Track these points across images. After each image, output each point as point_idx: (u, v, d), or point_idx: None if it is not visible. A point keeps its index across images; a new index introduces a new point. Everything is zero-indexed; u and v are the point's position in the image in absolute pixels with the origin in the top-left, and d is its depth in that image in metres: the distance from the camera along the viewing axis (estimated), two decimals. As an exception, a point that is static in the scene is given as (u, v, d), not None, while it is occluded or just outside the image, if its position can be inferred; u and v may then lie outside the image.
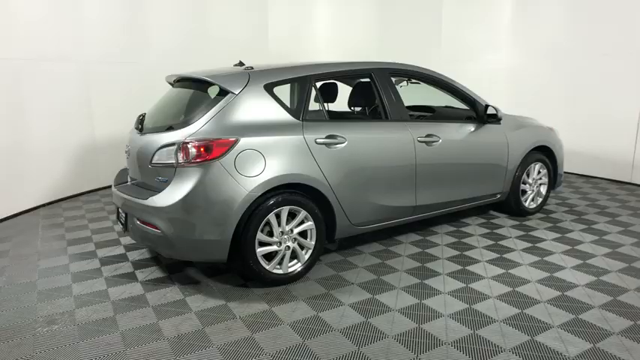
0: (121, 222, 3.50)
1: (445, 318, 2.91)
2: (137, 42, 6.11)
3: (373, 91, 3.72)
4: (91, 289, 3.32)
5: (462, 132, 4.05)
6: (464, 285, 3.36)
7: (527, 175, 4.70)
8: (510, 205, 4.69)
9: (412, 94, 4.90)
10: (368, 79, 3.78)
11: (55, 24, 5.27)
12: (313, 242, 3.30)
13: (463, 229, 4.51)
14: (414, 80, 4.29)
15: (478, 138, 4.14)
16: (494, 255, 3.90)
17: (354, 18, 7.58)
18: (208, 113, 3.00)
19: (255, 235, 3.02)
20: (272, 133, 3.05)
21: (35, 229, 4.59)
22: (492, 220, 4.74)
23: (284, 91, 3.53)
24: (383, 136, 3.54)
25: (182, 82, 3.62)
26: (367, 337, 2.71)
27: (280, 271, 3.23)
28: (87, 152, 5.81)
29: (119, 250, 4.01)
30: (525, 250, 4.01)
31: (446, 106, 4.95)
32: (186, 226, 2.91)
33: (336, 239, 3.54)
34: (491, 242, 4.17)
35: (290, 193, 3.11)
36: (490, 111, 4.17)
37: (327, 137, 3.24)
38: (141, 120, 3.56)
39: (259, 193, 2.94)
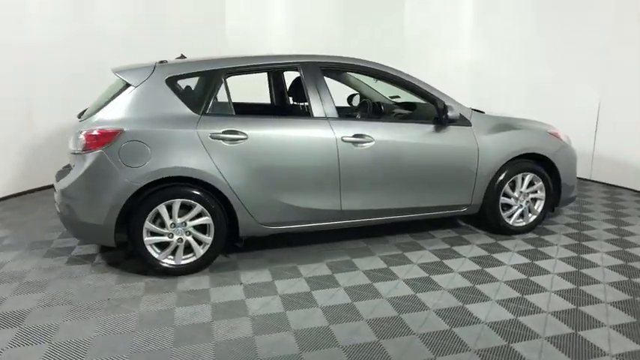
0: None
1: (288, 333, 2.73)
2: (85, 30, 5.65)
3: (300, 86, 3.52)
4: (27, 259, 3.82)
5: (410, 133, 3.60)
6: (348, 302, 3.07)
7: (513, 188, 4.04)
8: (488, 220, 4.09)
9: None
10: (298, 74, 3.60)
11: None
12: (211, 237, 3.30)
13: (420, 241, 4.06)
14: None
15: (433, 140, 3.64)
16: (423, 274, 3.46)
17: (316, 10, 7.14)
18: (109, 104, 3.17)
19: (143, 225, 3.13)
20: (161, 126, 3.08)
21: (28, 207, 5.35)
22: (464, 236, 4.16)
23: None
24: (294, 133, 3.32)
25: None
26: (192, 337, 2.69)
27: (172, 262, 3.31)
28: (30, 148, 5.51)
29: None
30: (465, 273, 3.47)
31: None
32: (74, 209, 3.16)
33: (242, 237, 3.47)
34: (435, 260, 3.70)
35: (182, 186, 3.16)
36: (449, 112, 3.61)
37: (225, 132, 3.17)
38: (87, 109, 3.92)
39: (142, 184, 3.04)
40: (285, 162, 3.30)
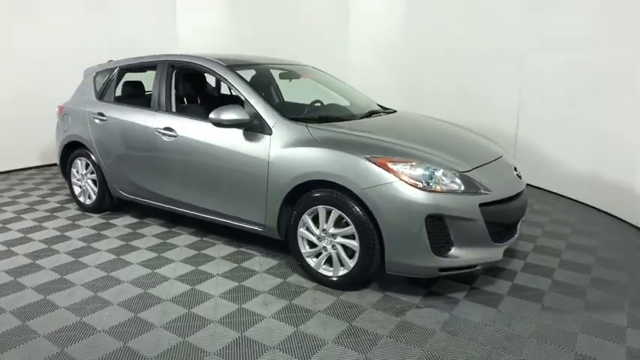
0: None
1: None
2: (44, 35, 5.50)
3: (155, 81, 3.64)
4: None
5: (204, 132, 3.12)
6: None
7: (317, 224, 2.63)
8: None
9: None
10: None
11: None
12: (97, 189, 3.88)
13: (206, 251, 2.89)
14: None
15: (223, 143, 3.00)
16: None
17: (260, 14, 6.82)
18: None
19: (71, 169, 4.04)
20: (78, 106, 3.99)
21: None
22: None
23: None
24: (130, 120, 3.57)
25: None
26: None
27: (82, 201, 4.00)
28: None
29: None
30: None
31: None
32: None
33: (113, 196, 3.82)
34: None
35: (83, 149, 3.92)
36: (213, 113, 2.87)
37: (97, 114, 3.78)
38: None
39: (66, 142, 4.01)
40: (125, 143, 3.59)
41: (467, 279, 2.58)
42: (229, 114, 2.78)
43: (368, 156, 2.39)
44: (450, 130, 3.06)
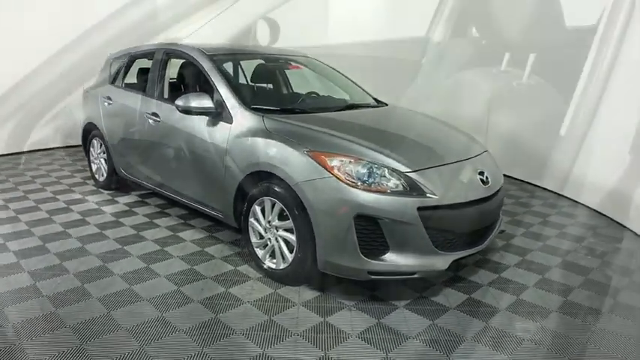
0: None
1: None
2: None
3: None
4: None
5: (178, 118, 3.09)
6: None
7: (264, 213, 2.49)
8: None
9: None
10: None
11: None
12: (107, 167, 4.05)
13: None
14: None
15: (193, 130, 2.97)
16: None
17: None
18: None
19: (90, 148, 4.29)
20: (95, 89, 4.19)
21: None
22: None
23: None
24: (128, 104, 3.66)
25: None
26: None
27: (97, 178, 4.21)
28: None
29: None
30: None
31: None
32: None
33: (117, 173, 3.93)
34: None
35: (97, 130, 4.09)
36: (180, 101, 2.82)
37: (106, 97, 3.94)
38: None
39: (86, 122, 4.23)
40: (124, 125, 3.69)
41: (418, 286, 2.40)
42: (194, 101, 2.76)
43: (307, 149, 2.26)
44: (425, 128, 2.89)
